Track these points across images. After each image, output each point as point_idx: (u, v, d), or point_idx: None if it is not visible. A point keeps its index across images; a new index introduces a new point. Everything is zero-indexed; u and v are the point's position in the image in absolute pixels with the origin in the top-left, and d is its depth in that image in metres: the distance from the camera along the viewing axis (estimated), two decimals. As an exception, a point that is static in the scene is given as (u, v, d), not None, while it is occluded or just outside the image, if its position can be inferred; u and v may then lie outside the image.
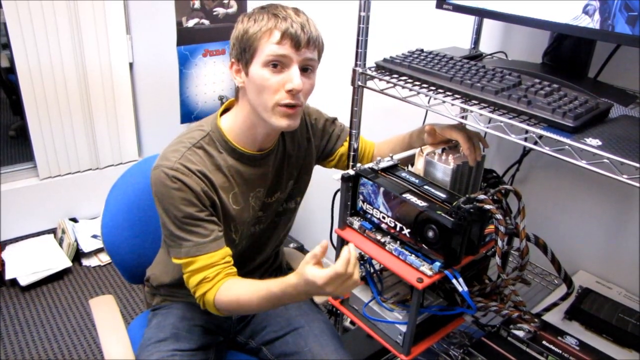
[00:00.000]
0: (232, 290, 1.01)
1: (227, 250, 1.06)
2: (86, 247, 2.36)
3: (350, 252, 0.87)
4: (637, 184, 0.71)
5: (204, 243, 1.02)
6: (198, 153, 1.05)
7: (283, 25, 0.96)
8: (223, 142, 1.08)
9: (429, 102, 0.98)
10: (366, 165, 1.05)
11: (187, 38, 2.34)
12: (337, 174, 1.04)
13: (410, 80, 1.02)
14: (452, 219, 0.87)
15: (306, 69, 1.01)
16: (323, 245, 0.87)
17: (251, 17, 1.00)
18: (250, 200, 1.13)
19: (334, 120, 1.29)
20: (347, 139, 1.27)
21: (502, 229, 0.93)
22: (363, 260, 1.09)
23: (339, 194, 1.09)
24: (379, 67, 1.09)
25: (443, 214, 0.88)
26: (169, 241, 1.05)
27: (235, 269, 1.06)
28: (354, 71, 1.08)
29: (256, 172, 1.12)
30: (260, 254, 1.26)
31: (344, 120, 1.26)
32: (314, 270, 0.86)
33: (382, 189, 0.98)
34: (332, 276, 0.85)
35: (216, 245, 1.03)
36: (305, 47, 0.98)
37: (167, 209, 1.02)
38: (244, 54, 1.01)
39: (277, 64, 0.98)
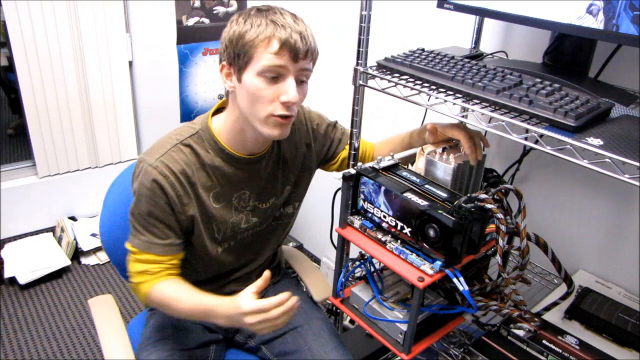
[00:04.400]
0: (169, 290, 1.03)
1: (175, 257, 1.07)
2: (85, 246, 2.36)
3: (285, 299, 0.91)
4: (639, 184, 0.71)
5: (157, 244, 1.04)
6: (184, 151, 1.04)
7: (282, 35, 0.92)
8: (212, 142, 1.06)
9: (429, 101, 0.98)
10: (367, 164, 1.05)
11: (187, 37, 2.34)
12: (338, 173, 1.04)
13: (411, 80, 1.02)
14: (453, 218, 0.87)
15: (301, 80, 0.99)
16: (265, 278, 0.94)
17: (247, 20, 0.95)
18: (233, 201, 1.11)
19: (335, 123, 1.28)
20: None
21: (503, 228, 0.93)
22: (363, 259, 1.09)
23: (339, 193, 1.08)
24: (380, 66, 1.09)
25: (444, 213, 0.88)
26: (130, 227, 1.06)
27: (178, 271, 1.08)
28: (356, 70, 1.08)
29: (243, 175, 1.10)
30: (259, 257, 1.25)
31: (344, 119, 1.25)
32: (246, 297, 0.92)
33: (383, 188, 0.98)
34: (256, 309, 0.90)
35: (165, 251, 1.04)
36: (303, 59, 0.95)
37: (138, 201, 1.03)
38: (238, 60, 0.96)
39: (274, 75, 0.95)
